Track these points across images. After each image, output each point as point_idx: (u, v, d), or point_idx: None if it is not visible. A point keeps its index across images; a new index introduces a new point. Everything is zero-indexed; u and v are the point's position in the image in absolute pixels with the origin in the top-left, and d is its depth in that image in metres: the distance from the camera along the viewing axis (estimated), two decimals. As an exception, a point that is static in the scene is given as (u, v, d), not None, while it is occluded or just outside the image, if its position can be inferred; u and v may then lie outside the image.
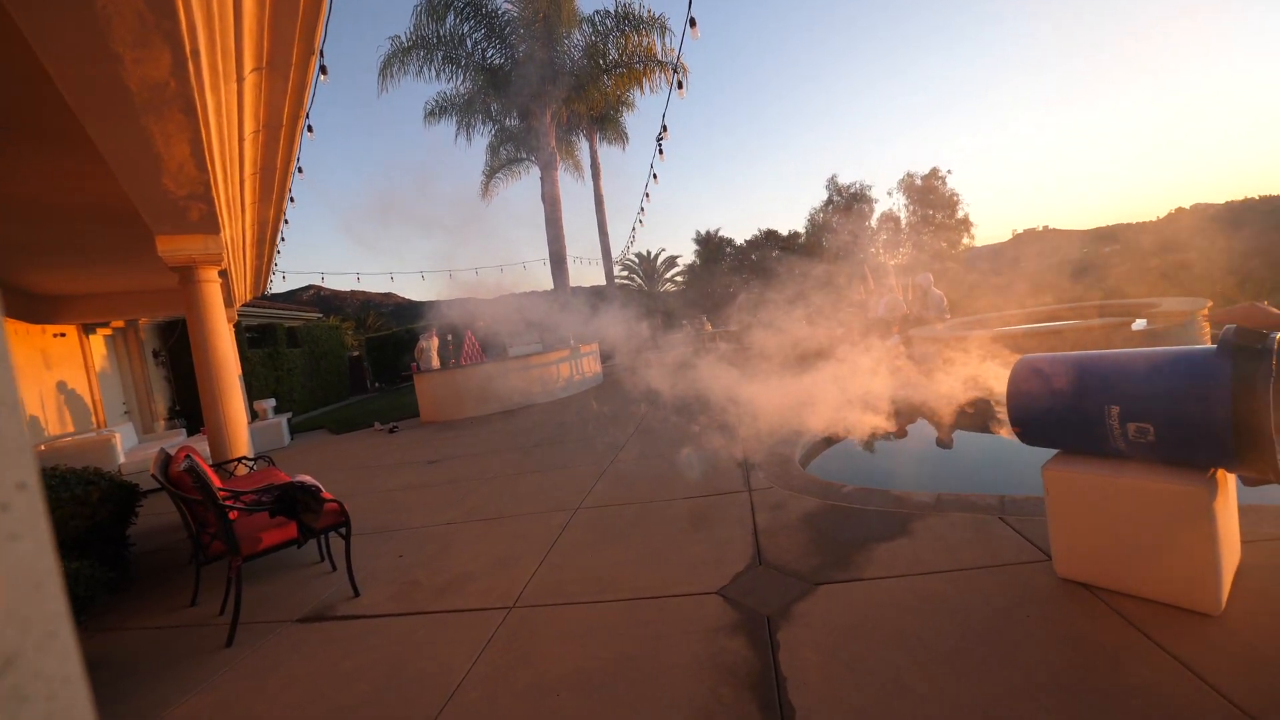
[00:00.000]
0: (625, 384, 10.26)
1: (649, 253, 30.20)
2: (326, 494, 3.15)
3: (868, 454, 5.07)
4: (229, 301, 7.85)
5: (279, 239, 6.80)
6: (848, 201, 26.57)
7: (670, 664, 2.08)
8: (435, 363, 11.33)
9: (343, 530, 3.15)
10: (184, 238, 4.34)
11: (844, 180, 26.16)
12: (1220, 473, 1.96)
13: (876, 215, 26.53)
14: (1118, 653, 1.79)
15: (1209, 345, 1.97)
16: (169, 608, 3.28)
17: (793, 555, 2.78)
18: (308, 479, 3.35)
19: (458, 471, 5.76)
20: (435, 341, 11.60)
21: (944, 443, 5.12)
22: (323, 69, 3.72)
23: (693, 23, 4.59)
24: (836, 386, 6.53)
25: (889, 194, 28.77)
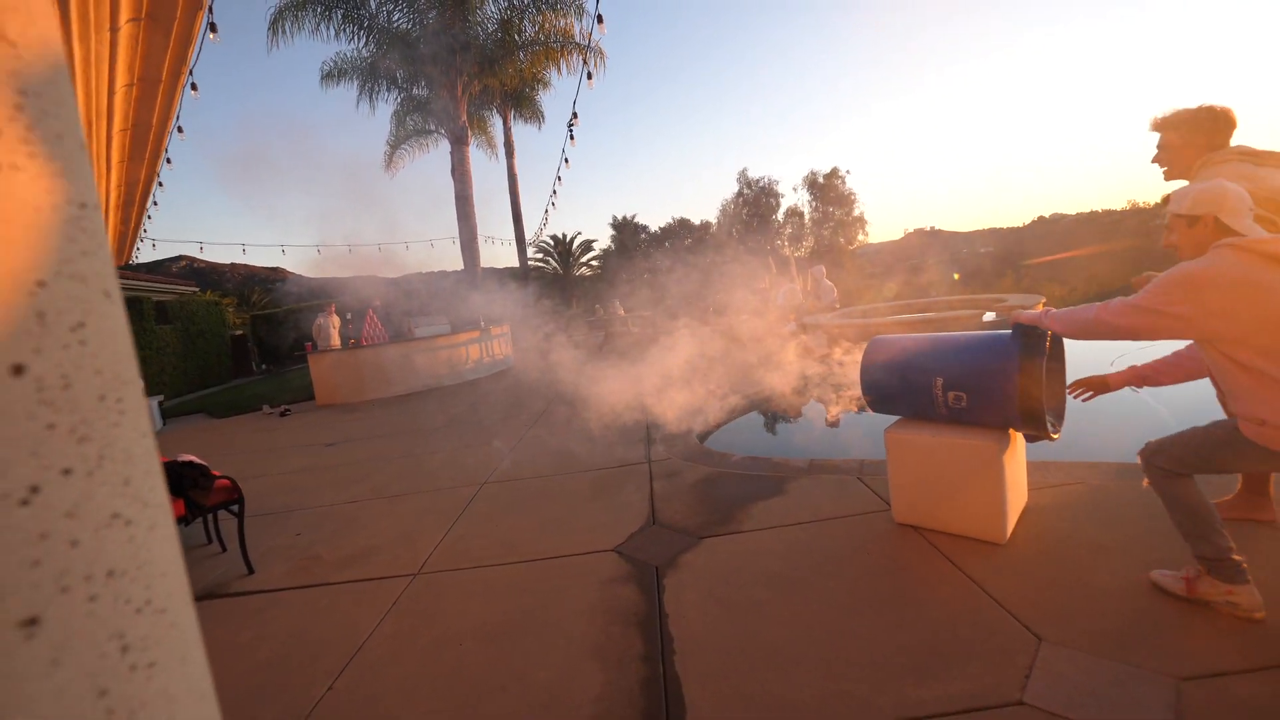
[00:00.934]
0: (537, 366, 10.29)
1: (564, 236, 29.96)
2: (215, 471, 3.05)
3: (760, 428, 5.55)
4: (86, 270, 7.01)
5: (150, 202, 6.16)
6: (757, 195, 27.75)
7: (567, 612, 2.29)
8: (335, 342, 10.74)
9: (234, 508, 3.06)
10: (35, 196, 3.88)
11: (754, 174, 27.32)
12: (1011, 431, 2.46)
13: (783, 210, 27.93)
14: (929, 576, 2.23)
15: (1008, 331, 2.44)
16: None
17: (683, 515, 3.08)
18: (193, 458, 3.21)
19: (359, 453, 5.62)
20: (335, 319, 10.98)
21: (830, 417, 5.70)
22: (212, 26, 3.46)
23: (599, 19, 4.73)
24: (737, 368, 7.02)
25: (794, 190, 30.41)
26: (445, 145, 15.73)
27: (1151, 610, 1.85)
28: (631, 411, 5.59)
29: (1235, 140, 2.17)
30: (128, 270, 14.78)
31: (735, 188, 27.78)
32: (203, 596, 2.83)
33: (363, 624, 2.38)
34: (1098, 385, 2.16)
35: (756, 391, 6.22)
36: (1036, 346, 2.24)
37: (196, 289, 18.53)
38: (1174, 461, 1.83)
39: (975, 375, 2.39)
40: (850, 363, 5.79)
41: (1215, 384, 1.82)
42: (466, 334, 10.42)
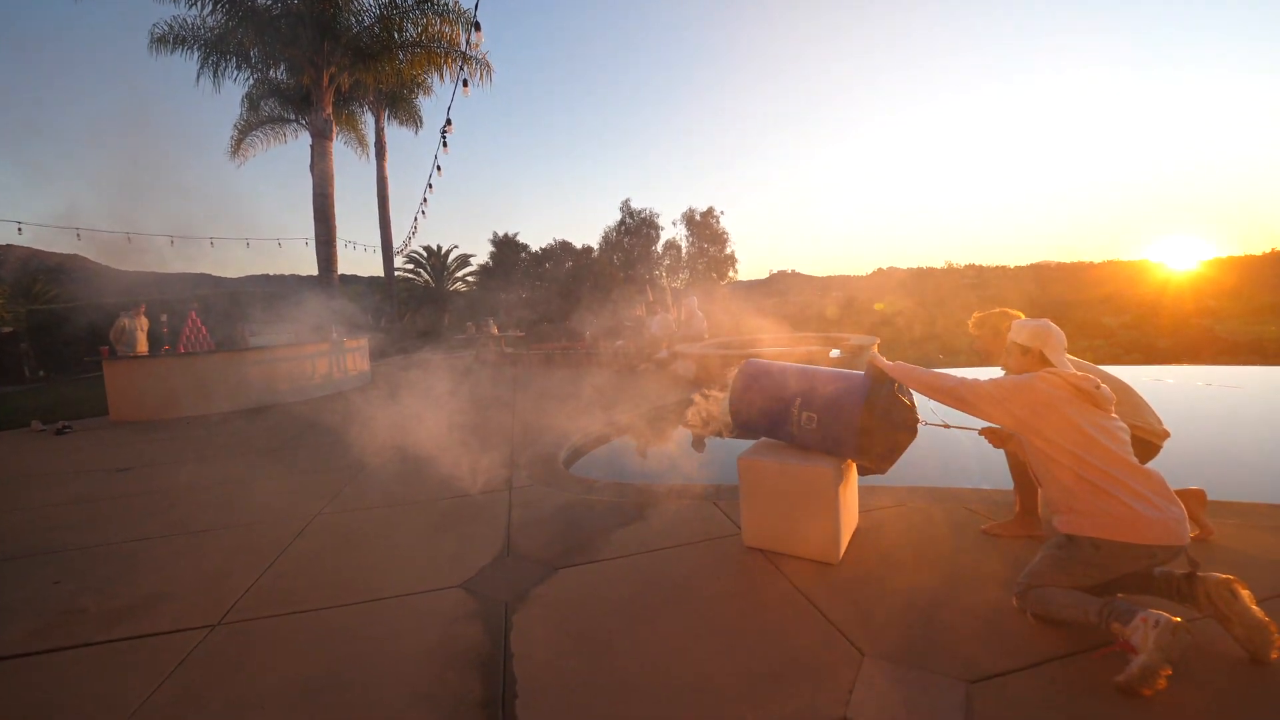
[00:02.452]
0: (395, 383, 9.52)
1: (439, 247, 28.52)
2: (-69, 506, 2.36)
3: (627, 453, 5.58)
4: None
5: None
6: (638, 225, 28.62)
7: (401, 657, 2.06)
8: (142, 347, 9.10)
9: (-43, 553, 2.38)
10: None
11: (636, 205, 28.14)
12: (847, 462, 2.68)
13: (662, 242, 29.05)
14: (771, 598, 2.33)
15: (860, 371, 2.68)
16: None
17: (540, 545, 2.96)
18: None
19: (161, 480, 4.74)
20: (144, 321, 9.32)
21: (694, 442, 5.88)
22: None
23: (477, 26, 4.61)
24: (608, 392, 7.04)
25: (674, 224, 31.77)
26: (306, 138, 14.35)
27: (952, 620, 2.09)
28: (494, 435, 5.35)
29: None
30: None
31: (618, 216, 28.42)
32: (-109, 673, 2.14)
33: (132, 693, 1.94)
34: (1002, 438, 2.52)
35: (625, 416, 6.27)
36: (882, 390, 2.49)
37: (-52, 272, 14.85)
38: (1038, 589, 1.99)
39: (830, 402, 2.58)
40: (716, 390, 6.07)
41: (1038, 481, 2.18)
42: (313, 346, 9.37)
